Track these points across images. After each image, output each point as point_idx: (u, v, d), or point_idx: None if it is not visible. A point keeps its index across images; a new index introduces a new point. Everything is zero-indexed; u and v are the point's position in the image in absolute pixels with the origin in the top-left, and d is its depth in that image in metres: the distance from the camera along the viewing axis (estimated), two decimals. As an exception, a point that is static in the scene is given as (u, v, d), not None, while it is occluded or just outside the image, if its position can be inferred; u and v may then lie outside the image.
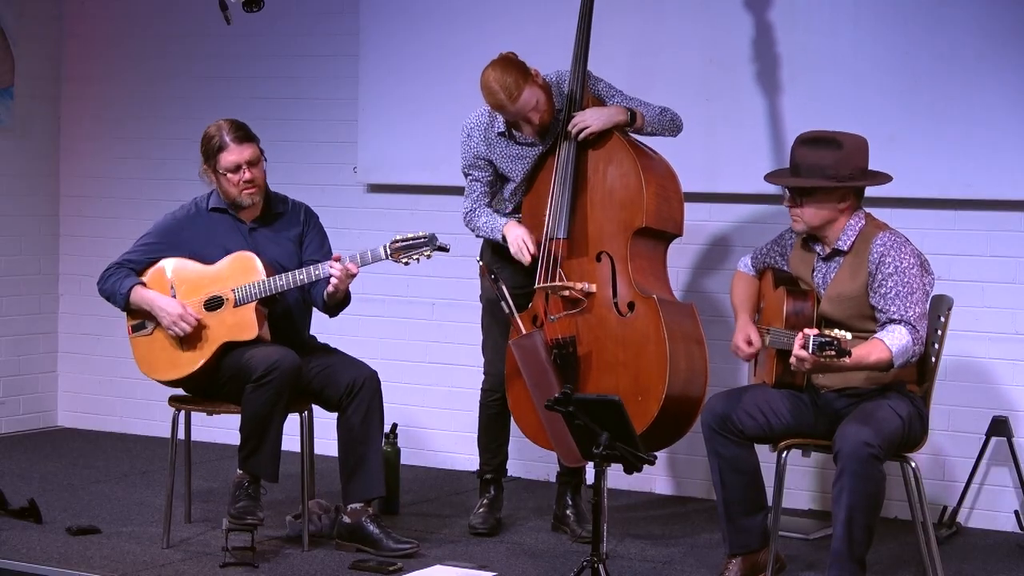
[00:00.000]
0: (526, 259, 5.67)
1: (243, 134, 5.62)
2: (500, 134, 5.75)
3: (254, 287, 5.52)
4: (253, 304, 5.53)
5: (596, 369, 5.60)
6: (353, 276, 5.54)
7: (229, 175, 5.59)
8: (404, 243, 5.54)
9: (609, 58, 6.18)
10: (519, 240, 5.69)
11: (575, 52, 5.71)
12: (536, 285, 5.71)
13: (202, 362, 5.55)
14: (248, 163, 5.59)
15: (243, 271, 5.56)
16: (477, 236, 5.89)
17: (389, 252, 5.53)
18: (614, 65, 6.13)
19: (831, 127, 5.20)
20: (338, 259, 5.52)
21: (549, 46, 5.81)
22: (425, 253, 5.55)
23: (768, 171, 5.68)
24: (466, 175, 5.86)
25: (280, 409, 5.50)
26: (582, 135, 5.62)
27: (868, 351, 4.84)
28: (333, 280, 5.51)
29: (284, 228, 5.75)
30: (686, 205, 5.77)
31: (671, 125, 5.79)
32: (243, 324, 5.53)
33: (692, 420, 5.56)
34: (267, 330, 5.59)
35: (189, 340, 5.56)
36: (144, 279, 5.64)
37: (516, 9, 6.78)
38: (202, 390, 5.67)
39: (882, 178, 5.14)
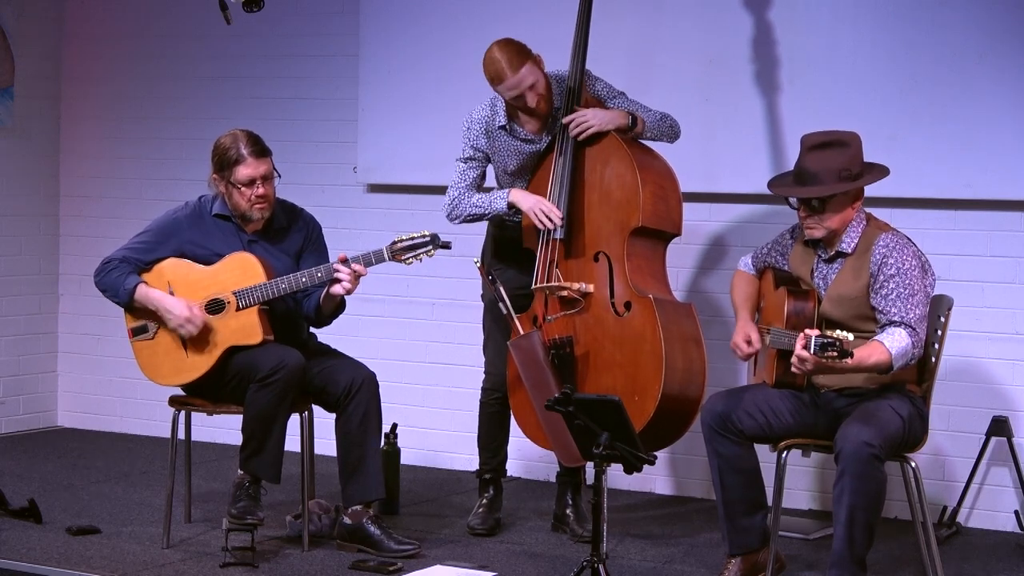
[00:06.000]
0: (553, 223, 5.62)
1: (260, 148, 5.56)
2: (501, 127, 5.75)
3: (256, 290, 5.50)
4: (256, 308, 5.51)
5: (593, 369, 5.60)
6: (360, 278, 5.52)
7: (243, 188, 5.54)
8: (406, 244, 5.52)
9: (608, 58, 6.18)
10: (537, 208, 5.63)
11: (574, 49, 5.71)
12: (533, 286, 5.71)
13: (207, 368, 5.54)
14: (263, 178, 5.56)
15: (243, 272, 5.54)
16: (464, 220, 5.80)
17: (390, 254, 5.51)
18: (613, 65, 6.13)
19: (831, 127, 5.20)
20: (344, 260, 5.50)
21: (549, 47, 5.80)
22: (428, 252, 5.53)
23: (767, 171, 5.70)
24: (459, 162, 5.82)
25: (284, 409, 5.49)
26: (582, 136, 5.62)
27: (868, 353, 4.83)
28: (342, 285, 5.47)
29: (284, 243, 5.70)
30: (686, 205, 5.77)
31: (670, 131, 5.78)
32: (247, 328, 5.51)
33: (690, 420, 5.56)
34: (271, 331, 5.56)
35: (194, 345, 5.54)
36: (144, 278, 5.62)
37: (517, 10, 6.78)
38: (205, 392, 5.65)
39: (882, 170, 5.14)
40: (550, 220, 5.61)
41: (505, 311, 5.67)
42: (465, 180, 5.81)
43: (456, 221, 5.83)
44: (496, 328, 5.91)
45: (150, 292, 5.56)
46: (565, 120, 5.65)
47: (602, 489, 4.70)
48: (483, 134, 5.78)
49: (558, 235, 5.65)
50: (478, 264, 5.81)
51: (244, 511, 5.43)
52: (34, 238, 7.95)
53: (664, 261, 5.75)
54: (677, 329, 5.52)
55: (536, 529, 6.02)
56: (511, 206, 5.68)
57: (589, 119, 5.63)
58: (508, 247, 5.89)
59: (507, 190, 5.72)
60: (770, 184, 5.27)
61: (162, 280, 5.59)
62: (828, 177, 5.01)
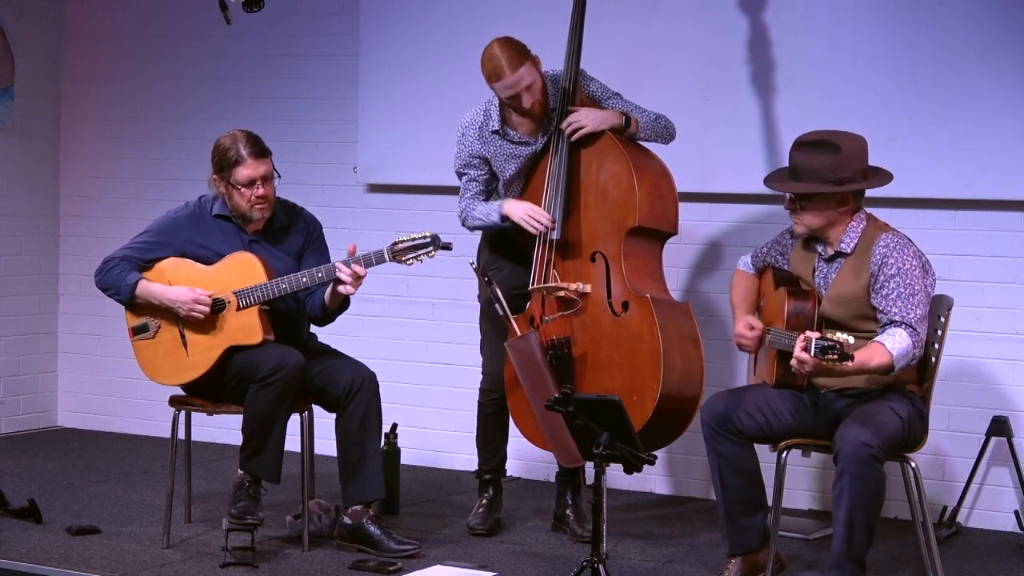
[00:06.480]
0: (544, 225, 5.63)
1: (259, 149, 5.57)
2: (495, 132, 5.75)
3: (256, 290, 5.50)
4: (256, 307, 5.51)
5: (591, 369, 5.60)
6: (361, 279, 5.52)
7: (243, 189, 5.55)
8: (406, 245, 5.52)
9: (605, 58, 6.18)
10: (526, 215, 5.65)
11: (568, 49, 5.72)
12: (530, 287, 5.71)
13: (207, 367, 5.54)
14: (262, 179, 5.56)
15: (243, 272, 5.54)
16: (474, 230, 5.87)
17: (391, 254, 5.52)
18: (611, 65, 6.13)
19: (831, 127, 5.19)
20: (353, 250, 5.47)
21: (549, 47, 5.80)
22: (429, 253, 5.53)
23: (767, 171, 5.69)
24: (461, 175, 5.85)
25: (284, 409, 5.49)
26: (575, 136, 5.63)
27: (870, 355, 4.83)
28: (344, 287, 5.47)
29: (285, 243, 5.71)
30: (684, 205, 5.77)
31: (664, 132, 5.78)
32: (248, 328, 5.51)
33: (689, 420, 5.56)
34: (272, 331, 5.56)
35: (194, 344, 5.54)
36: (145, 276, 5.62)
37: (516, 10, 6.78)
38: (205, 392, 5.65)
39: (882, 178, 5.13)
40: (541, 223, 5.63)
41: (501, 312, 5.67)
42: (468, 191, 5.83)
43: (471, 230, 5.88)
44: (492, 329, 5.91)
45: (151, 287, 5.56)
46: (562, 126, 5.65)
47: (602, 489, 4.70)
48: (477, 139, 5.78)
49: (555, 236, 5.65)
50: (474, 266, 5.81)
51: (244, 511, 5.43)
52: (34, 238, 7.95)
53: (661, 261, 5.75)
54: (675, 329, 5.51)
55: (536, 529, 6.02)
56: (504, 219, 5.70)
57: (582, 120, 5.63)
58: (504, 244, 5.89)
59: (500, 203, 5.73)
60: (767, 177, 5.29)
61: (163, 279, 5.59)
62: (808, 176, 5.01)
